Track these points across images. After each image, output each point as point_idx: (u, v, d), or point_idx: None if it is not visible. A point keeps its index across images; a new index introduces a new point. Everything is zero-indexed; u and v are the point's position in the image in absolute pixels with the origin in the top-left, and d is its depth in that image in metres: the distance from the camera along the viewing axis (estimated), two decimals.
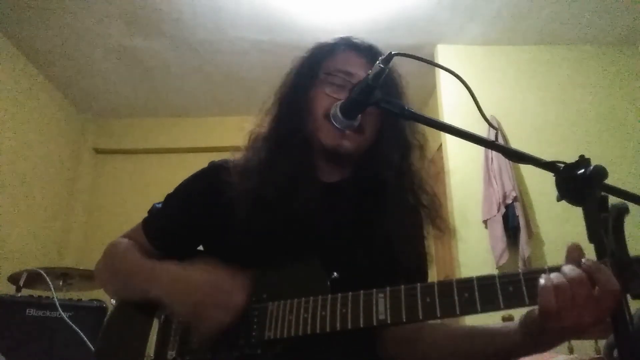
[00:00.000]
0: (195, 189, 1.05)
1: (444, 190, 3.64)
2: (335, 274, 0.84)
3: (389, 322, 0.72)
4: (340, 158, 1.02)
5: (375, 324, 0.73)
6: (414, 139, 1.05)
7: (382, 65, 0.84)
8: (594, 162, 0.67)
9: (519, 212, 3.14)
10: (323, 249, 0.91)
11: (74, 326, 2.26)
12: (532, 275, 0.64)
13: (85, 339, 2.23)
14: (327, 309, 0.77)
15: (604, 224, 0.62)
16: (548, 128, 3.52)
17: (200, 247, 1.06)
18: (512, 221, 3.13)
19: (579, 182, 0.67)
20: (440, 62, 3.47)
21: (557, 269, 0.64)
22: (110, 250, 1.04)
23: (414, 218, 1.01)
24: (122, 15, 3.41)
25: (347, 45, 1.07)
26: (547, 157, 0.74)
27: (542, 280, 0.63)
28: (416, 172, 1.04)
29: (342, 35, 1.10)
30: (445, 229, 1.02)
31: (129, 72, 4.12)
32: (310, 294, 0.80)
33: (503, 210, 3.15)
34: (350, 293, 0.77)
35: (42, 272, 2.52)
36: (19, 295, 2.59)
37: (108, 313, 1.02)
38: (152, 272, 0.92)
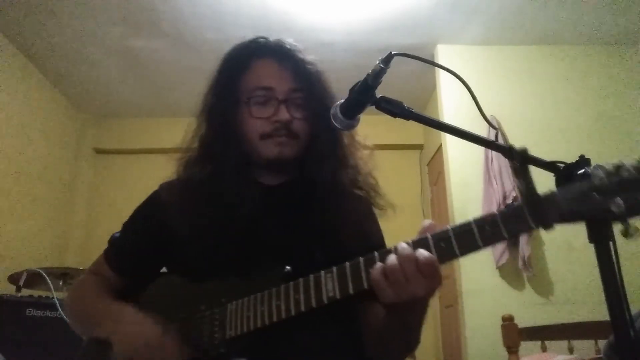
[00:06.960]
0: (146, 214, 1.08)
1: (444, 190, 3.64)
2: (288, 267, 0.86)
3: (338, 297, 0.76)
4: (281, 165, 1.04)
5: (326, 301, 0.77)
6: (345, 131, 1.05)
7: (382, 65, 0.84)
8: (594, 162, 0.67)
9: None
10: (273, 248, 0.95)
11: None
12: (461, 229, 0.70)
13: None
14: (281, 298, 0.81)
15: (515, 172, 0.69)
16: (548, 128, 3.52)
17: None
18: None
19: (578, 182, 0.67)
20: (440, 62, 3.47)
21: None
22: (74, 292, 1.10)
23: (357, 203, 1.04)
24: (122, 15, 3.41)
25: (261, 52, 1.05)
26: (547, 157, 0.74)
27: (375, 266, 0.73)
28: (353, 160, 1.05)
29: (253, 38, 1.07)
30: (386, 206, 1.05)
31: (128, 72, 4.12)
32: (265, 290, 0.84)
33: None
34: (301, 279, 0.81)
35: (42, 272, 2.52)
36: (19, 295, 2.59)
37: None
38: (105, 314, 0.96)
